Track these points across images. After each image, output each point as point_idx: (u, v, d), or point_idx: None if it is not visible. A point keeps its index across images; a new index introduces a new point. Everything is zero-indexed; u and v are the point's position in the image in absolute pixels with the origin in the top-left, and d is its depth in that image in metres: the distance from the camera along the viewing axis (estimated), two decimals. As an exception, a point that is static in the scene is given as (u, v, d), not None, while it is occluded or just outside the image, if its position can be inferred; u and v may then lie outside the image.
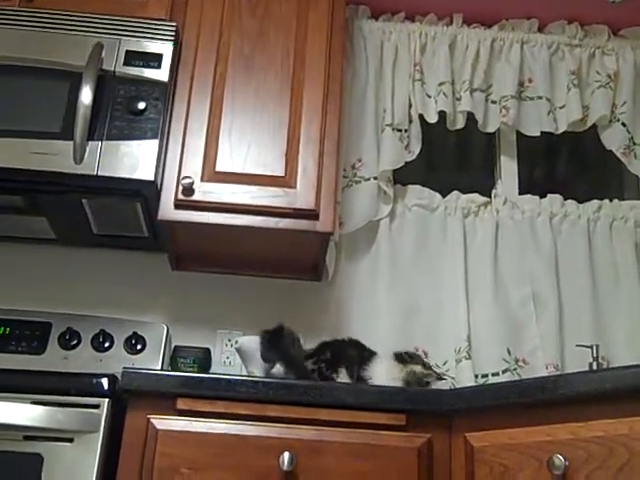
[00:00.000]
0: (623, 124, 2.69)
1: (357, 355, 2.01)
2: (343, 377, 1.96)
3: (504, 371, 2.40)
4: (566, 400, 1.56)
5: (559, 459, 1.49)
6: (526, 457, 1.57)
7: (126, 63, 2.22)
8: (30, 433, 1.64)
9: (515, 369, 2.41)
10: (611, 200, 2.71)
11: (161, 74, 2.22)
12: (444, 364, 2.41)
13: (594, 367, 2.24)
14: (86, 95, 2.07)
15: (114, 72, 2.20)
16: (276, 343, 1.98)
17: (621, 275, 2.56)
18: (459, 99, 2.67)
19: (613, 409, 1.49)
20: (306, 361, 2.00)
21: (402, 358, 2.02)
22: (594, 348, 2.28)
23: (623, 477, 1.43)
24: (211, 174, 2.20)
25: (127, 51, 2.23)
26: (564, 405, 1.56)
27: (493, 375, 2.40)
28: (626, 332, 2.47)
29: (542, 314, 2.48)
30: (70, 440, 1.64)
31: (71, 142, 2.07)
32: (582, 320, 2.49)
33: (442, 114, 2.66)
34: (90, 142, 2.10)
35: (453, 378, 2.38)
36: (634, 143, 2.69)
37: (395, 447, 1.69)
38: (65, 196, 2.18)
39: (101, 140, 2.11)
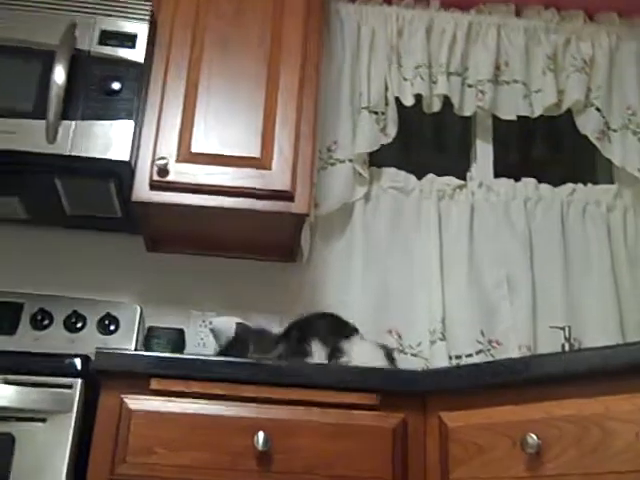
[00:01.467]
0: (597, 109, 2.71)
1: (329, 326, 2.02)
2: (317, 350, 1.96)
3: (478, 352, 2.41)
4: (538, 381, 1.58)
5: (532, 438, 1.51)
6: (500, 436, 1.58)
7: (101, 43, 2.20)
8: (2, 413, 1.63)
9: (489, 350, 2.43)
10: (585, 184, 2.73)
11: (136, 54, 2.20)
12: (418, 345, 2.43)
13: (566, 348, 2.27)
14: (59, 74, 2.05)
15: (89, 52, 2.17)
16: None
17: (593, 258, 2.58)
18: (435, 82, 2.67)
19: (587, 389, 1.51)
20: (277, 345, 2.00)
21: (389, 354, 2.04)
22: (566, 329, 2.30)
23: (597, 456, 1.44)
24: (186, 155, 2.19)
25: (102, 30, 2.21)
26: (537, 385, 1.58)
27: (467, 356, 2.41)
28: (597, 313, 2.50)
29: (516, 296, 2.50)
30: (42, 420, 1.63)
31: (44, 121, 2.05)
32: (555, 302, 2.51)
33: (418, 97, 2.66)
34: (63, 122, 2.08)
35: (427, 359, 2.39)
36: (608, 128, 2.71)
37: (369, 427, 1.70)
38: (37, 176, 2.16)
39: (75, 120, 2.09)
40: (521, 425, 1.55)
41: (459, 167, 2.77)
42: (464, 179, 2.70)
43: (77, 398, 1.66)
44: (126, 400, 1.68)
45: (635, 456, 1.40)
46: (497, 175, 2.74)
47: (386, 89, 2.66)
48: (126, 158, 2.09)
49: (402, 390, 1.75)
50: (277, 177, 2.18)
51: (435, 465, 1.68)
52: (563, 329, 2.29)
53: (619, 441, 1.42)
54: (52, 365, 1.71)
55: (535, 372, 1.58)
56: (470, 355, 2.41)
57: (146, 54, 2.21)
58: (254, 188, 2.17)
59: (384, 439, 1.69)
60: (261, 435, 1.63)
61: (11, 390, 1.65)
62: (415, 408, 1.74)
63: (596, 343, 2.30)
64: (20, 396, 1.64)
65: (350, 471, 1.66)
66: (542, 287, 2.53)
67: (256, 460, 1.64)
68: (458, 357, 2.40)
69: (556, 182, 2.72)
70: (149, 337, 2.32)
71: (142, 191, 2.16)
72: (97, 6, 2.23)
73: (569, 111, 2.73)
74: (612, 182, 2.79)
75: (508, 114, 2.71)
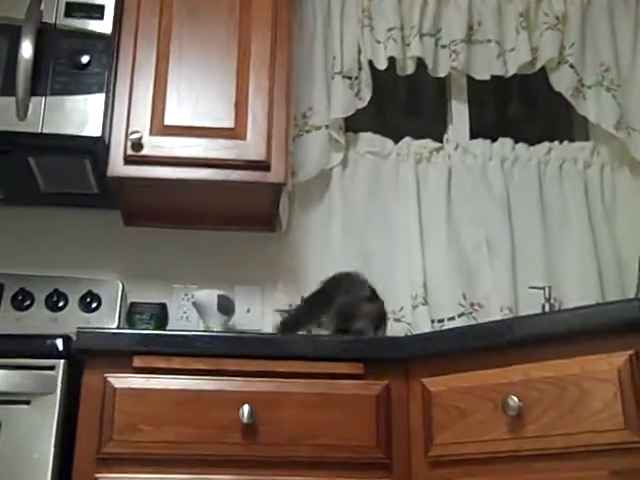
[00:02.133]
0: (571, 66, 2.69)
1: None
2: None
3: (460, 315, 2.43)
4: (519, 343, 1.60)
5: (513, 400, 1.53)
6: (481, 399, 1.61)
7: (67, 15, 2.15)
8: (-15, 397, 1.63)
9: (470, 313, 2.44)
10: (561, 142, 2.73)
11: (104, 26, 2.16)
12: (400, 310, 2.44)
13: (546, 309, 2.29)
14: (26, 49, 2.02)
15: (55, 25, 2.13)
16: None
17: (571, 216, 2.59)
18: (408, 44, 2.64)
19: (565, 350, 1.53)
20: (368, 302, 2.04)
21: None
22: (546, 290, 2.32)
23: (575, 415, 1.47)
24: (160, 128, 2.17)
25: (67, 2, 2.16)
26: (517, 347, 1.60)
27: (449, 320, 2.43)
28: (576, 272, 2.51)
29: (495, 257, 2.51)
30: (27, 402, 1.63)
31: (13, 98, 2.02)
32: (534, 262, 2.52)
33: (392, 60, 2.63)
34: (33, 98, 2.04)
35: (410, 324, 2.41)
36: (582, 85, 2.70)
37: (354, 395, 1.72)
38: (10, 154, 2.13)
39: (44, 95, 2.06)
40: (502, 388, 1.57)
41: (435, 129, 2.76)
42: (441, 141, 2.70)
43: (60, 379, 1.66)
44: (110, 379, 1.68)
45: (612, 415, 1.43)
46: (473, 136, 2.73)
47: (359, 53, 2.64)
48: (98, 134, 2.07)
49: (385, 357, 1.76)
50: (252, 147, 2.17)
51: (419, 430, 1.70)
52: (543, 289, 2.31)
53: (597, 401, 1.45)
54: (34, 346, 1.70)
55: (517, 334, 1.60)
56: (452, 318, 2.42)
57: (114, 25, 2.17)
58: (229, 159, 2.16)
59: (368, 407, 1.71)
60: (246, 408, 1.64)
61: (-6, 373, 1.65)
62: (398, 374, 1.76)
63: (576, 302, 2.31)
64: (3, 379, 1.64)
65: (335, 440, 1.67)
66: (521, 247, 2.54)
67: (241, 433, 1.66)
68: (440, 321, 2.42)
69: (532, 141, 2.72)
70: (131, 313, 2.32)
71: (117, 166, 2.14)
72: (62, -22, 2.18)
73: (543, 69, 2.71)
74: (588, 139, 2.80)
75: (482, 74, 2.69)
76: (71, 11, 2.16)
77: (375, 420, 1.70)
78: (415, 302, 2.41)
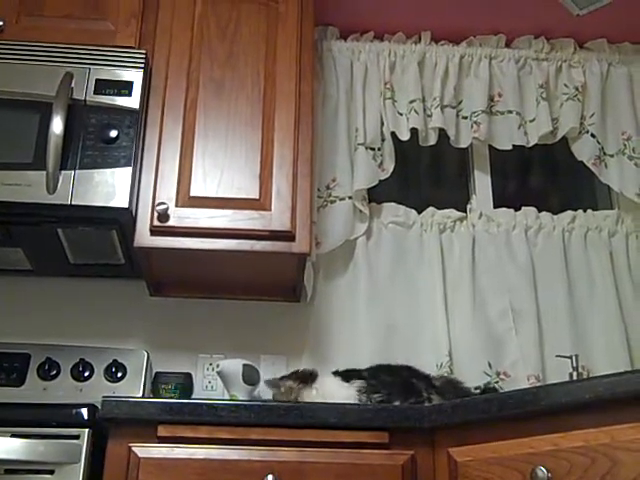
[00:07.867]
0: (592, 135, 2.72)
1: None
2: None
3: (486, 384, 2.40)
4: (547, 411, 1.56)
5: (542, 471, 1.49)
6: (509, 470, 1.57)
7: (97, 92, 2.21)
8: (11, 466, 1.63)
9: (497, 382, 2.41)
10: (585, 210, 2.73)
11: (132, 102, 2.21)
12: (426, 379, 2.42)
13: (574, 377, 2.26)
14: (57, 125, 2.06)
15: (85, 101, 2.19)
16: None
17: (597, 284, 2.58)
18: (430, 116, 2.69)
19: (593, 419, 1.50)
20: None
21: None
22: (573, 358, 2.29)
23: (606, 486, 1.43)
24: (185, 199, 2.20)
25: (97, 80, 2.22)
26: (545, 416, 1.57)
27: (475, 389, 2.39)
28: (604, 340, 2.49)
29: (521, 326, 2.50)
30: (51, 472, 1.63)
31: (44, 172, 2.06)
32: (561, 330, 2.50)
33: (414, 131, 2.68)
34: (63, 172, 2.09)
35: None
36: (604, 153, 2.72)
37: (379, 465, 1.69)
38: (40, 226, 2.17)
39: (74, 169, 2.10)
40: (530, 458, 1.54)
41: (458, 199, 2.78)
42: (464, 211, 2.71)
43: (85, 448, 1.66)
44: (134, 448, 1.67)
45: (644, 485, 1.39)
46: (497, 205, 2.75)
47: (382, 124, 2.69)
48: (125, 205, 2.10)
49: (410, 426, 1.74)
50: (276, 218, 2.19)
51: (446, 501, 1.67)
52: (570, 358, 2.29)
53: (628, 471, 1.41)
54: (59, 416, 1.71)
55: (543, 403, 1.57)
56: (479, 388, 2.39)
57: (142, 100, 2.23)
58: (254, 229, 2.18)
59: (394, 477, 1.68)
60: (270, 478, 1.62)
61: (19, 443, 1.64)
62: (424, 444, 1.73)
63: (604, 371, 2.29)
64: (28, 449, 1.64)
65: (360, 511, 1.65)
66: (547, 316, 2.53)
67: (266, 503, 1.63)
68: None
69: (556, 210, 2.73)
70: (156, 383, 2.32)
71: (143, 237, 2.17)
72: (92, 56, 2.25)
73: (564, 138, 2.74)
74: (612, 207, 2.80)
75: (504, 144, 2.73)
76: (100, 88, 2.21)
77: (401, 491, 1.67)
78: (441, 371, 2.39)
